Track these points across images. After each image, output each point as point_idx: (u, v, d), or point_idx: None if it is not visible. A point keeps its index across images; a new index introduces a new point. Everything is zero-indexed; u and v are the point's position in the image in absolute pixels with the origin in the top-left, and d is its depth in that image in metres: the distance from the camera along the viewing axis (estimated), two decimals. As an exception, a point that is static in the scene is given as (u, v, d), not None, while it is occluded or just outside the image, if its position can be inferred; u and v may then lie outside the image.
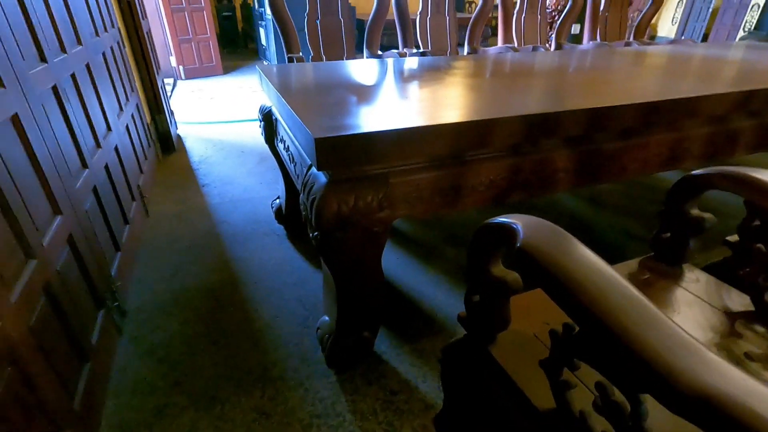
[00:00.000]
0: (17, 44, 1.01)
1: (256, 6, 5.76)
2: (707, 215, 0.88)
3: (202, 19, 4.85)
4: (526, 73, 1.55)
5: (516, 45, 2.78)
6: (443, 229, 1.92)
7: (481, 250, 0.69)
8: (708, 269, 0.99)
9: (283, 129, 1.33)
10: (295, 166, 1.22)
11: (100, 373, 1.14)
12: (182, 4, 4.65)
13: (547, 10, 3.86)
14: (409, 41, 2.51)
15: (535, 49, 2.61)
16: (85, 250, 1.15)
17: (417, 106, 1.11)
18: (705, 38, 7.09)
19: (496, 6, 2.77)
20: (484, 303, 0.73)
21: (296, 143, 1.14)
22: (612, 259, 0.91)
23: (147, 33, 2.59)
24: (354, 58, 2.43)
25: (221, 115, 3.57)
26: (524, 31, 2.84)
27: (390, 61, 1.73)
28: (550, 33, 3.46)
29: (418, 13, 2.58)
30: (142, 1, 2.67)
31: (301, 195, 1.02)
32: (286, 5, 2.15)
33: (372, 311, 1.20)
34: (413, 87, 1.33)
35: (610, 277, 0.49)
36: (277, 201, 1.90)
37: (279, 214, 1.86)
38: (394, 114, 1.02)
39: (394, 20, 2.50)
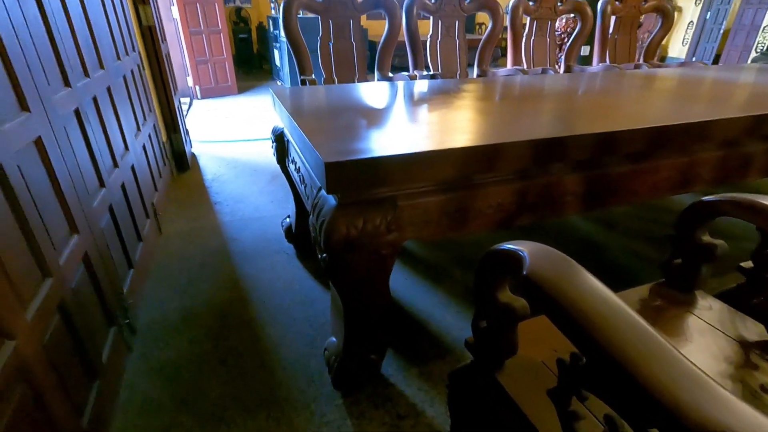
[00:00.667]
0: (43, 69, 1.06)
1: (271, 28, 5.94)
2: (719, 242, 0.87)
3: (219, 42, 5.01)
4: (535, 97, 1.56)
5: (525, 67, 2.81)
6: (452, 250, 1.92)
7: (488, 277, 0.69)
8: (722, 296, 0.98)
9: (295, 151, 1.35)
10: (305, 187, 1.24)
11: (109, 390, 1.15)
12: (200, 27, 4.81)
13: (557, 32, 3.91)
14: (420, 64, 2.56)
15: (544, 71, 2.63)
16: (99, 267, 1.18)
17: (425, 129, 1.13)
18: (716, 59, 7.08)
19: (506, 28, 2.82)
20: (491, 329, 0.73)
21: (307, 165, 1.16)
22: (624, 283, 0.91)
23: (166, 55, 2.68)
24: (365, 80, 2.48)
25: (235, 134, 3.64)
26: (533, 54, 2.87)
27: (400, 84, 1.76)
28: (560, 54, 3.49)
29: (429, 36, 2.63)
30: (162, 26, 2.78)
31: (311, 216, 1.04)
32: (300, 28, 2.22)
33: (379, 334, 1.20)
34: (422, 110, 1.35)
35: (616, 308, 0.49)
36: (288, 220, 1.92)
37: (289, 233, 1.88)
38: (402, 138, 1.04)
39: (405, 42, 2.55)
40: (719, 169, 1.38)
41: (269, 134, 1.61)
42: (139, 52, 2.25)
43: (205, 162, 2.98)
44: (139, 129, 1.96)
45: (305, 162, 1.17)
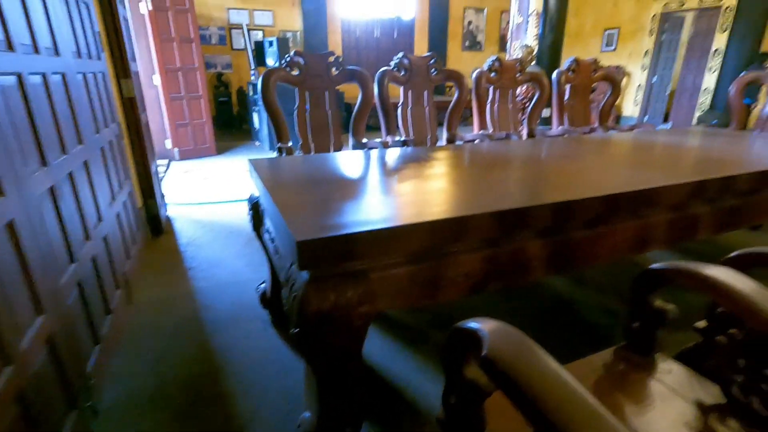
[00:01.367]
0: (21, 149, 1.09)
1: (251, 93, 6.18)
2: (670, 307, 0.92)
3: (199, 106, 5.17)
4: (499, 166, 1.67)
5: (491, 131, 3.00)
6: (429, 311, 1.93)
7: (454, 353, 0.71)
8: (681, 356, 1.02)
9: (269, 221, 1.39)
10: (278, 258, 1.27)
11: (65, 484, 1.07)
12: (181, 93, 4.98)
13: (519, 98, 4.21)
14: (392, 130, 2.70)
15: (508, 136, 2.82)
16: (63, 348, 1.14)
17: (395, 202, 1.19)
18: (666, 117, 7.71)
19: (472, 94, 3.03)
20: (460, 404, 0.74)
21: (280, 238, 1.19)
22: (597, 340, 0.94)
23: (145, 125, 2.75)
24: (341, 145, 2.59)
25: (212, 196, 3.67)
26: (498, 119, 3.08)
27: (373, 154, 1.85)
28: (523, 117, 3.74)
29: (400, 104, 2.80)
30: (142, 96, 2.87)
31: (283, 289, 1.05)
32: (279, 92, 2.34)
33: (354, 406, 1.18)
34: (392, 182, 1.42)
35: (569, 389, 0.52)
36: (263, 285, 1.91)
37: (264, 299, 1.86)
38: (373, 212, 1.09)
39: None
40: (671, 230, 1.47)
41: (246, 201, 1.65)
42: (119, 123, 2.30)
43: (181, 225, 2.97)
44: (114, 198, 1.96)
45: (278, 236, 1.20)
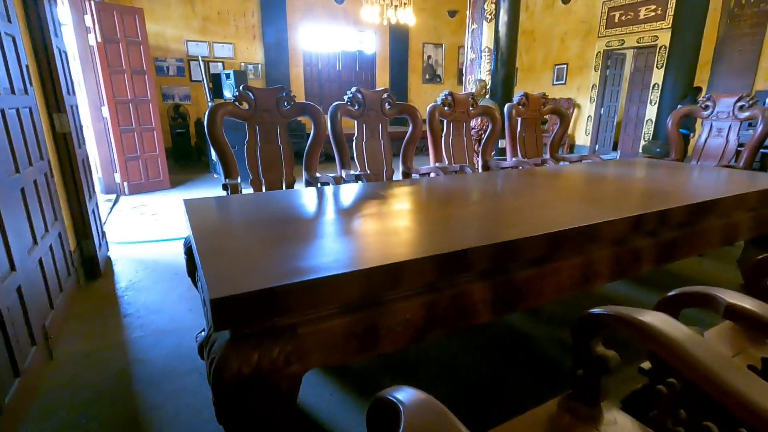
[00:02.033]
0: None
1: (209, 125, 6.05)
2: (611, 354, 0.89)
3: (152, 138, 4.99)
4: (448, 202, 1.65)
5: (446, 164, 3.02)
6: (380, 356, 1.84)
7: (376, 425, 0.64)
8: (627, 401, 0.99)
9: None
10: (206, 310, 1.16)
11: None
12: (132, 125, 4.79)
13: (474, 130, 4.32)
14: (346, 164, 2.67)
15: (462, 168, 2.84)
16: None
17: (332, 248, 1.12)
18: (615, 145, 8.15)
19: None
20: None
21: (203, 290, 1.09)
22: (554, 375, 0.87)
23: (82, 161, 2.59)
24: (293, 180, 2.52)
25: (160, 233, 3.48)
26: (452, 151, 3.12)
27: (322, 191, 1.79)
28: (478, 149, 3.82)
29: (354, 138, 2.78)
30: (81, 131, 2.72)
31: (205, 350, 0.95)
32: (229, 126, 2.26)
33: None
34: (332, 225, 1.36)
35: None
36: (203, 333, 1.77)
37: (202, 349, 1.72)
38: (304, 259, 1.02)
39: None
40: (615, 264, 1.48)
41: (184, 238, 1.53)
42: (49, 161, 2.15)
43: (121, 267, 2.77)
44: (36, 243, 1.79)
45: (203, 286, 1.10)
